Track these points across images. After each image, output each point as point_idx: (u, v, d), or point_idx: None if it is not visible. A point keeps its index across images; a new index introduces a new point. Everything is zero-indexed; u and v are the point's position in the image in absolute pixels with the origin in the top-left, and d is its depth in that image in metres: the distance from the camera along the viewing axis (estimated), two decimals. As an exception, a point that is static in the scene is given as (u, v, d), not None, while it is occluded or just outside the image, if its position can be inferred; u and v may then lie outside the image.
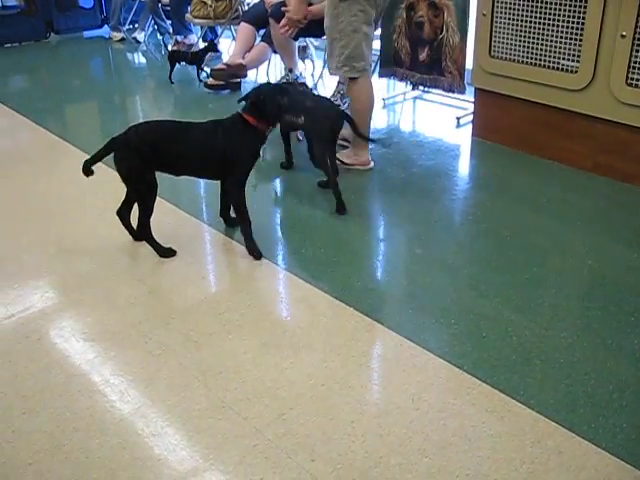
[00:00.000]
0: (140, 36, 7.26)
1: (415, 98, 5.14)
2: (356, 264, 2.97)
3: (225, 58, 5.77)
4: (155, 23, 7.22)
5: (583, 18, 3.50)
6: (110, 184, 3.86)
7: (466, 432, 2.04)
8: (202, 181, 3.78)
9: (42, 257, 3.06)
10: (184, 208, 3.45)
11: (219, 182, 3.08)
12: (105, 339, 2.48)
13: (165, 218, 3.42)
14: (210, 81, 5.34)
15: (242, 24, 5.44)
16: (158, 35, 7.43)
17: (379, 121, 4.77)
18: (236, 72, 5.26)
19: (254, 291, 2.77)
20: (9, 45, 7.14)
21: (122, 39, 7.29)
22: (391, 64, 4.80)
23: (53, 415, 2.13)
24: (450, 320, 2.55)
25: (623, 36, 3.35)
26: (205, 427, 2.06)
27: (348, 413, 2.10)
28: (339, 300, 2.66)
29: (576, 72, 3.61)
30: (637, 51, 3.34)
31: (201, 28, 6.48)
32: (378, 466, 1.92)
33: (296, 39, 5.09)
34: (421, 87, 4.93)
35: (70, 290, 2.80)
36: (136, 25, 7.49)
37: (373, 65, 4.75)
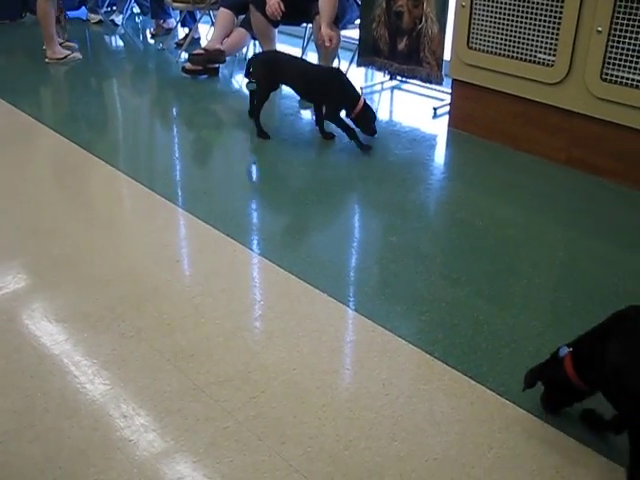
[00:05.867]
0: (118, 19, 7.17)
1: (393, 88, 5.15)
2: (331, 251, 2.98)
3: (204, 43, 5.74)
4: (137, 3, 7.17)
5: (560, 12, 3.52)
6: (85, 167, 3.86)
7: (435, 417, 2.06)
8: (178, 166, 3.78)
9: (16, 237, 3.04)
10: (160, 192, 3.44)
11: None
12: (77, 321, 2.48)
13: (141, 202, 3.42)
14: (188, 66, 5.30)
15: (221, 9, 5.41)
16: (136, 18, 7.38)
17: (357, 110, 4.78)
18: (214, 58, 5.23)
19: (228, 275, 2.78)
20: (-17, 24, 7.05)
21: (100, 21, 7.20)
22: (370, 53, 4.80)
23: (24, 396, 2.13)
24: (422, 307, 2.57)
25: (599, 31, 3.38)
26: (176, 409, 2.07)
27: (319, 397, 2.12)
28: (313, 286, 2.68)
29: (552, 66, 3.65)
30: (612, 47, 3.38)
31: (180, 12, 6.44)
32: (348, 449, 1.94)
33: (276, 26, 5.09)
34: (399, 77, 4.94)
35: (43, 271, 2.79)
36: (114, 7, 7.42)
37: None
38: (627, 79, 3.38)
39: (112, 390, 2.15)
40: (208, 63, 5.26)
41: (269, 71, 4.13)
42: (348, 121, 3.96)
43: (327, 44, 4.51)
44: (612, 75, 3.43)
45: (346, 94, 3.96)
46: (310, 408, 2.08)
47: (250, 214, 3.31)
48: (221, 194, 3.50)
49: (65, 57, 5.74)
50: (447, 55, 4.29)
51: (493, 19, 3.84)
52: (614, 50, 3.38)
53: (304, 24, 5.37)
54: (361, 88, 4.99)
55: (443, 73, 4.44)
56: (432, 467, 1.90)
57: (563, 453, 1.95)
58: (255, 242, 3.02)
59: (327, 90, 3.99)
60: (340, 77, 4.01)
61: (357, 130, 3.98)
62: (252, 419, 2.04)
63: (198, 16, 6.36)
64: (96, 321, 2.48)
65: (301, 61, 4.39)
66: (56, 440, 1.97)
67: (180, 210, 3.29)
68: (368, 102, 3.99)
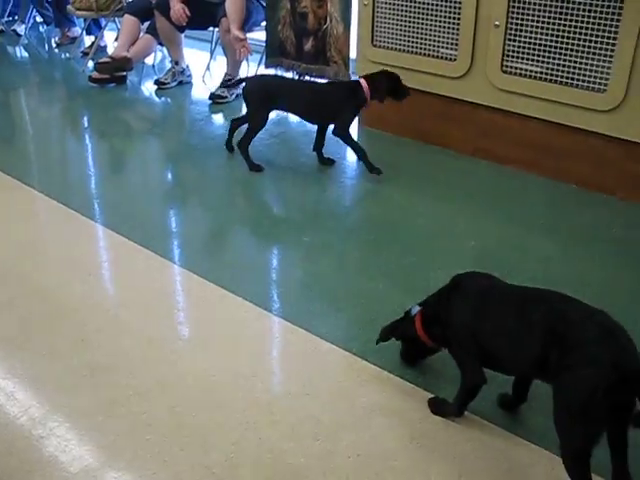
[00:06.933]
0: (20, 29, 6.98)
1: (303, 88, 5.17)
2: (245, 255, 2.99)
3: (111, 51, 5.65)
4: (39, 12, 6.99)
5: (459, 8, 3.61)
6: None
7: (356, 413, 2.09)
8: (93, 179, 3.71)
9: None
10: (71, 205, 3.37)
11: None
12: (-11, 342, 2.42)
13: (50, 216, 3.35)
14: (95, 75, 5.21)
15: (126, 16, 5.34)
16: (40, 28, 7.21)
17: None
18: (121, 65, 5.16)
19: (143, 285, 2.75)
20: None
21: (1, 32, 7.02)
22: (277, 55, 4.81)
23: None
24: (339, 305, 2.60)
25: (497, 25, 3.48)
26: (95, 425, 2.04)
27: (240, 402, 2.12)
28: (228, 290, 2.67)
29: (455, 60, 3.73)
30: (510, 40, 3.48)
31: (84, 20, 6.32)
32: (271, 452, 1.95)
33: (182, 31, 5.06)
34: (307, 77, 4.96)
35: (-50, 294, 2.71)
36: (16, 17, 7.21)
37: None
38: (525, 70, 3.49)
39: (27, 411, 2.10)
40: (115, 71, 5.19)
41: (266, 97, 3.70)
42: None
43: (243, 54, 4.57)
44: (512, 67, 3.53)
45: (354, 103, 3.66)
46: (231, 414, 2.08)
47: (163, 222, 3.29)
48: (133, 204, 3.46)
49: None
50: (353, 53, 4.34)
51: (395, 16, 3.91)
52: (512, 43, 3.48)
53: (211, 28, 5.34)
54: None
55: (350, 71, 4.48)
56: (356, 463, 1.92)
57: (482, 438, 2.00)
58: (169, 250, 3.00)
59: (336, 107, 3.66)
60: (345, 90, 3.70)
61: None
62: (173, 429, 2.02)
63: (103, 23, 6.26)
64: (8, 341, 2.41)
65: (300, 82, 4.14)
66: (-31, 468, 1.92)
67: (91, 222, 3.23)
68: (372, 73, 3.68)
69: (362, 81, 3.63)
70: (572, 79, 3.35)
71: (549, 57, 3.40)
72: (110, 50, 5.92)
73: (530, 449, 1.96)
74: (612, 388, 1.56)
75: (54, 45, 6.65)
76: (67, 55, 6.22)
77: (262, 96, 3.70)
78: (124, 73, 5.26)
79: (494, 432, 2.02)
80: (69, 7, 5.81)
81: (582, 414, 1.62)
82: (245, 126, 3.79)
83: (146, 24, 5.38)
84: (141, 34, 5.36)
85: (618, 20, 3.11)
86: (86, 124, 4.70)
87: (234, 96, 4.88)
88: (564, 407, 1.67)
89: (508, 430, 2.02)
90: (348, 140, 3.67)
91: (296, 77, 4.70)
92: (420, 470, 1.90)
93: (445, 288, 2.10)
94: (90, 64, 5.62)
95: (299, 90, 3.80)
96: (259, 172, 3.72)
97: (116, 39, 5.71)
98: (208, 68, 5.52)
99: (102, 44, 6.29)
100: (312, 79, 4.51)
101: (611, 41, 3.17)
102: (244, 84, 3.81)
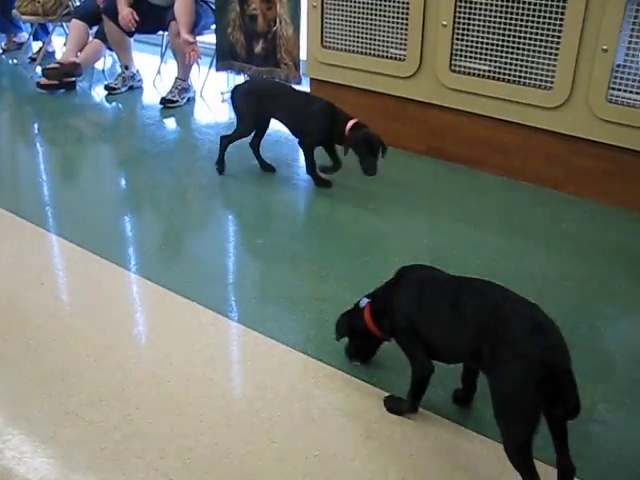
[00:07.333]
0: (-37, 35, 6.87)
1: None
2: (199, 260, 2.97)
3: (59, 56, 5.57)
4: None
5: (407, 8, 3.64)
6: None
7: (312, 414, 2.10)
8: (43, 187, 3.66)
9: None
10: (21, 214, 3.32)
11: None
12: (-62, 356, 2.37)
13: (1, 223, 3.30)
14: (43, 81, 5.13)
15: (73, 21, 5.27)
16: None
17: (219, 115, 4.78)
18: (70, 71, 5.09)
19: (96, 293, 2.72)
20: None
21: (-56, 38, 6.89)
22: (227, 57, 4.79)
23: None
24: (293, 307, 2.60)
25: (444, 25, 3.52)
26: (50, 436, 2.02)
27: (195, 407, 2.12)
28: (181, 295, 2.66)
29: (404, 60, 3.76)
30: (457, 39, 3.53)
31: (31, 25, 6.22)
32: (227, 456, 1.95)
33: (131, 35, 5.01)
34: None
35: None
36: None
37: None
38: (474, 69, 3.54)
39: (-20, 424, 2.07)
40: (64, 77, 5.12)
41: (255, 103, 3.62)
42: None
43: (193, 57, 4.58)
44: (460, 66, 3.58)
45: (326, 132, 3.50)
46: (187, 419, 2.07)
47: (116, 229, 3.26)
48: (86, 211, 3.42)
49: None
50: (304, 55, 4.35)
51: (344, 18, 3.93)
52: (460, 42, 3.53)
53: (160, 32, 5.30)
54: (222, 93, 5.00)
55: (301, 73, 4.49)
56: (313, 464, 1.93)
57: (437, 434, 2.03)
58: (123, 257, 2.97)
59: (311, 125, 3.51)
60: (328, 111, 3.49)
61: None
62: (129, 437, 2.01)
63: (50, 28, 6.17)
64: (-42, 354, 2.38)
65: (290, 90, 3.76)
66: None
67: (42, 230, 3.18)
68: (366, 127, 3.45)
69: (351, 122, 3.42)
70: (519, 77, 3.41)
71: (496, 56, 3.45)
72: (58, 55, 5.82)
73: (484, 442, 1.99)
74: (541, 383, 1.61)
75: (0, 51, 6.53)
76: (14, 61, 6.12)
77: (251, 103, 3.63)
78: (73, 79, 5.18)
79: (449, 428, 2.05)
80: (14, 12, 5.71)
81: (516, 410, 1.68)
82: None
83: (95, 29, 5.32)
84: (90, 39, 5.30)
85: (562, 19, 3.17)
86: (35, 131, 4.64)
87: (185, 100, 4.87)
88: (500, 402, 1.72)
89: (462, 425, 2.06)
90: (307, 153, 3.58)
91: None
92: (377, 468, 1.92)
93: (390, 280, 2.15)
94: (38, 70, 5.53)
95: (286, 98, 3.62)
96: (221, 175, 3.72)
97: (64, 44, 5.63)
98: (159, 72, 5.48)
99: (50, 49, 6.20)
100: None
101: (555, 39, 3.23)
102: (232, 90, 3.74)
